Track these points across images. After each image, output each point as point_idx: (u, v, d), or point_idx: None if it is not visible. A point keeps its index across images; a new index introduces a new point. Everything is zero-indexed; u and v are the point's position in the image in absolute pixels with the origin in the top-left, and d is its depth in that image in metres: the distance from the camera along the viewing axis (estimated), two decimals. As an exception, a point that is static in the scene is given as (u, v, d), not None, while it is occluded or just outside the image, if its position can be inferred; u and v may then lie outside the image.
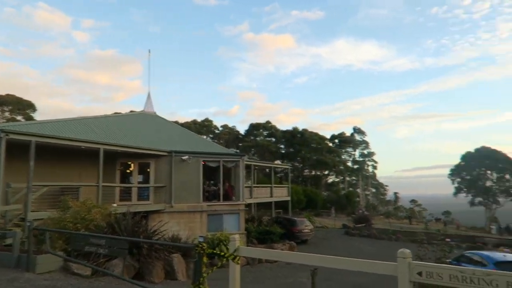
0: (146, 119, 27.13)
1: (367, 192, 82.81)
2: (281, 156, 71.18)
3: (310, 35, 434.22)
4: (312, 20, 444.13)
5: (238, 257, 5.91)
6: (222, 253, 5.71)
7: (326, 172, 75.81)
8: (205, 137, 59.72)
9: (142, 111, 29.53)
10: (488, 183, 58.74)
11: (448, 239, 31.10)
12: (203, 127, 69.38)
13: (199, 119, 73.06)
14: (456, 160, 62.92)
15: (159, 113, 29.74)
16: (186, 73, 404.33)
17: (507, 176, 57.28)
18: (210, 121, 73.04)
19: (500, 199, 57.95)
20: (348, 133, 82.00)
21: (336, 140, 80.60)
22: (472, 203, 59.95)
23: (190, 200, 20.91)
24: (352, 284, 13.72)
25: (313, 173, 74.98)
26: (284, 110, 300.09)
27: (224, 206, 21.93)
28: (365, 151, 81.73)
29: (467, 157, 61.79)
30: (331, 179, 78.78)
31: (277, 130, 73.14)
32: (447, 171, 65.12)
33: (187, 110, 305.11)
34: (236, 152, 34.99)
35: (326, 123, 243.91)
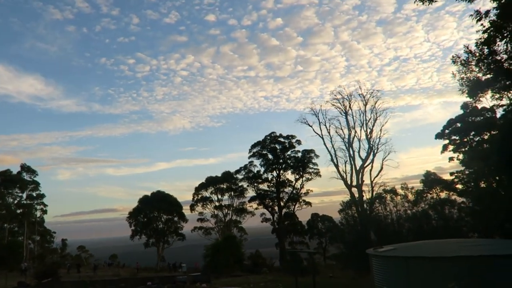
0: None
1: (29, 241, 71.85)
2: None
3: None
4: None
5: None
6: None
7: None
8: None
9: None
10: (161, 225, 64.52)
11: (149, 283, 31.45)
12: None
13: None
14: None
15: None
16: None
17: (176, 219, 65.22)
18: None
19: (170, 239, 64.74)
20: (15, 171, 69.95)
21: (-1, 179, 66.81)
22: (146, 245, 63.54)
23: None
24: None
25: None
26: None
27: None
28: (35, 193, 71.68)
29: (143, 201, 65.77)
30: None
31: None
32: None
33: None
34: None
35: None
